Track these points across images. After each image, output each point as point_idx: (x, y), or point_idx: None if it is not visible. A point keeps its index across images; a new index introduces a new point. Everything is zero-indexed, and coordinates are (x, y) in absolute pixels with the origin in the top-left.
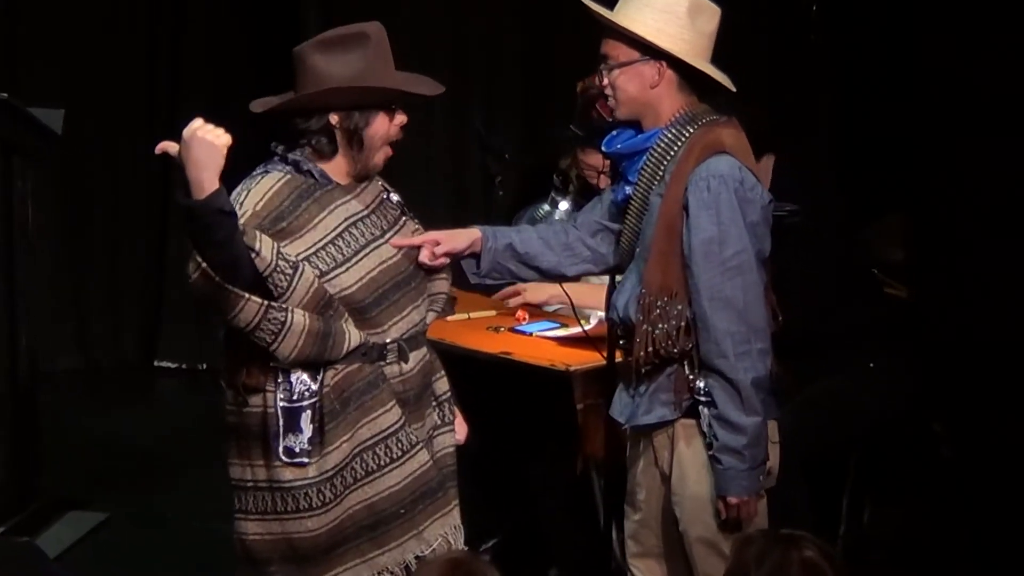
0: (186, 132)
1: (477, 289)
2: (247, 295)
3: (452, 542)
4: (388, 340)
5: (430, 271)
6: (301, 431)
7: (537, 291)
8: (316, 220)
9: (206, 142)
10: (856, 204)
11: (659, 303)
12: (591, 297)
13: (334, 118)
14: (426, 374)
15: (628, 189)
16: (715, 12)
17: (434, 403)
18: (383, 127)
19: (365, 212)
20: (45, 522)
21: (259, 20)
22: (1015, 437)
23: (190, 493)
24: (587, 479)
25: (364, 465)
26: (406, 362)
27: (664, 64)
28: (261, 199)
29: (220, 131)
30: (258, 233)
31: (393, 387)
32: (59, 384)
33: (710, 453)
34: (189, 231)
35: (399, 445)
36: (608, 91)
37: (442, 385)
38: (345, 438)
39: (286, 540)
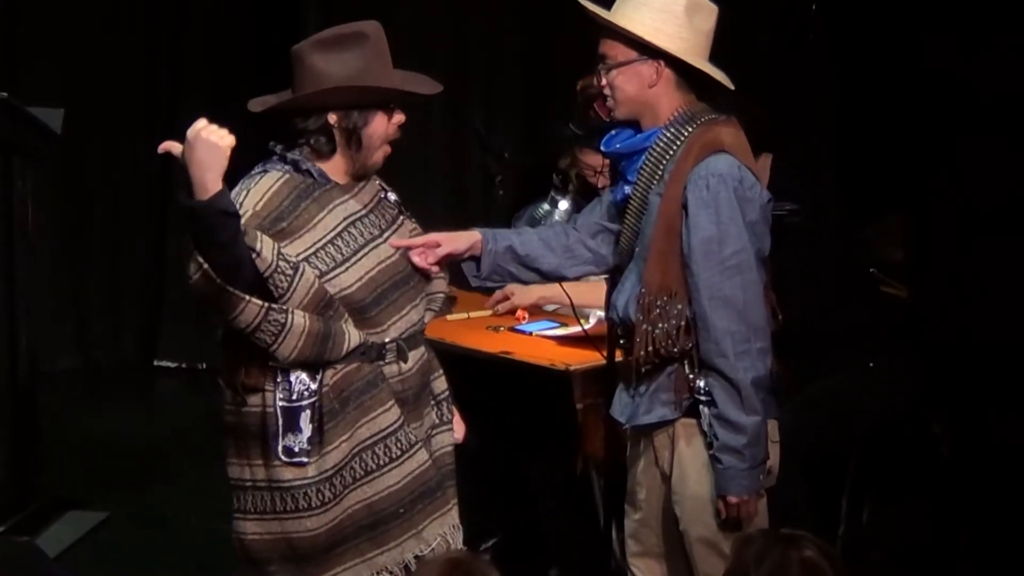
0: (190, 133)
1: (477, 289)
2: (248, 297)
3: (451, 541)
4: (387, 340)
5: (425, 272)
6: (300, 431)
7: (525, 293)
8: (315, 220)
9: (210, 143)
10: (856, 204)
11: (659, 302)
12: (590, 296)
13: (332, 118)
14: (424, 373)
15: (627, 189)
16: (712, 10)
17: (432, 402)
18: (381, 126)
19: (363, 211)
20: (45, 522)
21: (259, 20)
22: (1015, 437)
23: (190, 493)
24: (587, 479)
25: (363, 465)
26: (405, 361)
27: (662, 63)
28: (261, 199)
29: (224, 132)
30: (259, 234)
31: (392, 386)
32: (59, 384)
33: (710, 452)
34: (191, 232)
35: (398, 445)
36: (607, 91)
37: (440, 384)
38: (344, 438)
39: (285, 540)
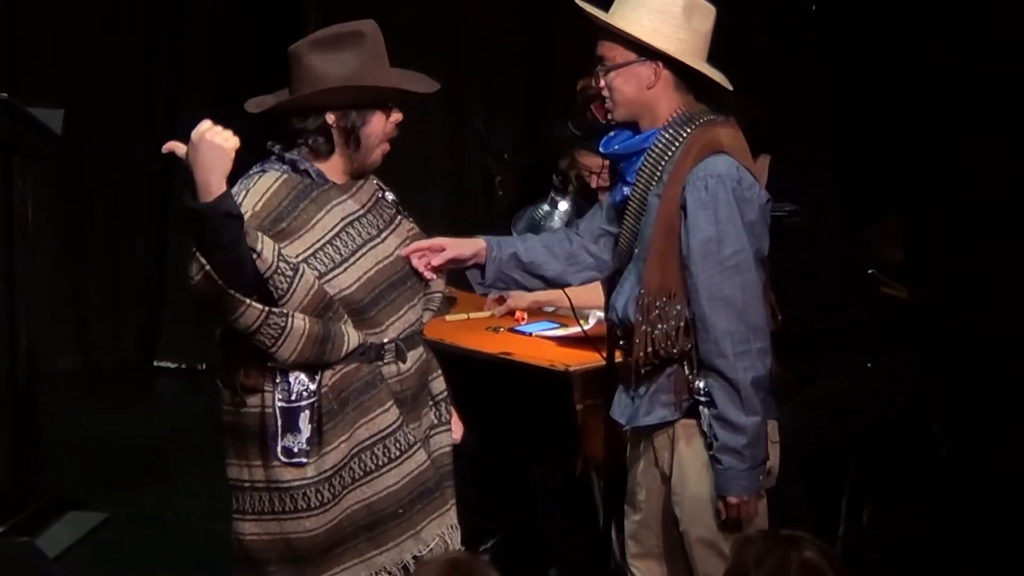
0: (194, 134)
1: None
2: (248, 300)
3: (449, 542)
4: (386, 340)
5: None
6: (299, 431)
7: (520, 296)
8: (314, 220)
9: (214, 145)
10: (856, 204)
11: (658, 303)
12: (589, 297)
13: (331, 117)
14: (423, 374)
15: (626, 190)
16: (710, 11)
17: (431, 403)
18: (380, 125)
19: (361, 212)
20: (45, 522)
21: (259, 20)
22: (1015, 437)
23: (190, 493)
24: (587, 479)
25: (362, 465)
26: (404, 362)
27: (660, 64)
28: (260, 199)
29: (228, 134)
30: (260, 234)
31: (391, 387)
32: (59, 384)
33: (710, 453)
34: (194, 233)
35: (397, 445)
36: (605, 92)
37: (439, 385)
38: (343, 438)
39: (284, 540)
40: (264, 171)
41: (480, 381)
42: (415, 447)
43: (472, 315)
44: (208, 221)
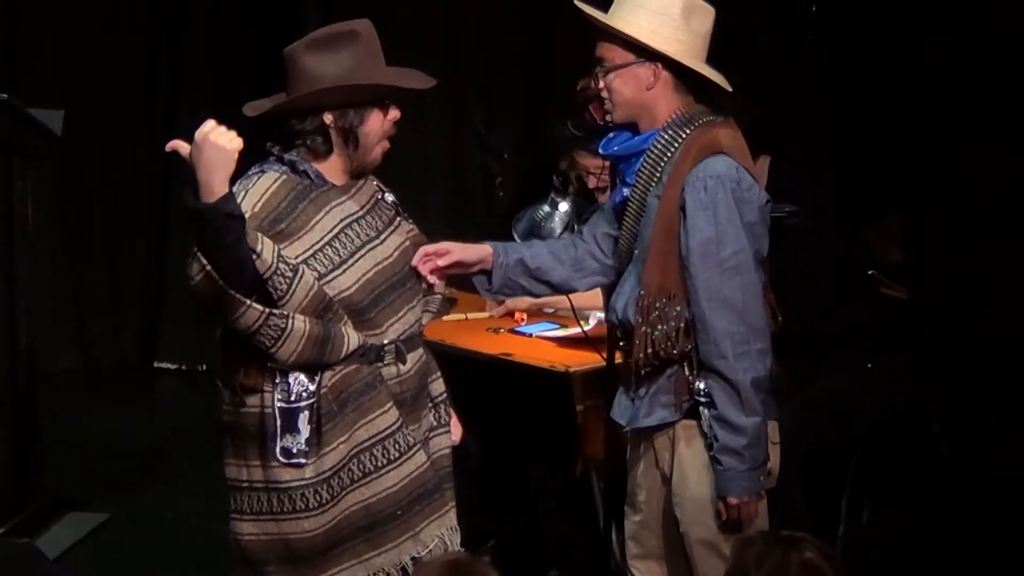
0: (198, 134)
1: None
2: (248, 301)
3: (448, 543)
4: (385, 341)
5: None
6: (298, 432)
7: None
8: (313, 221)
9: (217, 146)
10: (856, 204)
11: (658, 304)
12: (589, 298)
13: (328, 117)
14: (423, 375)
15: (626, 191)
16: (709, 12)
17: (430, 404)
18: (378, 123)
19: (361, 213)
20: (45, 523)
21: (259, 20)
22: (1015, 437)
23: (190, 493)
24: (587, 480)
25: (361, 466)
26: (404, 363)
27: (659, 66)
28: (259, 200)
29: (232, 135)
30: (259, 235)
31: (391, 388)
32: (59, 384)
33: (710, 454)
34: (195, 233)
35: (396, 446)
36: (604, 94)
37: (438, 386)
38: (342, 439)
39: (282, 541)
40: (263, 172)
41: (480, 382)
42: (414, 449)
43: (471, 315)
44: (210, 222)
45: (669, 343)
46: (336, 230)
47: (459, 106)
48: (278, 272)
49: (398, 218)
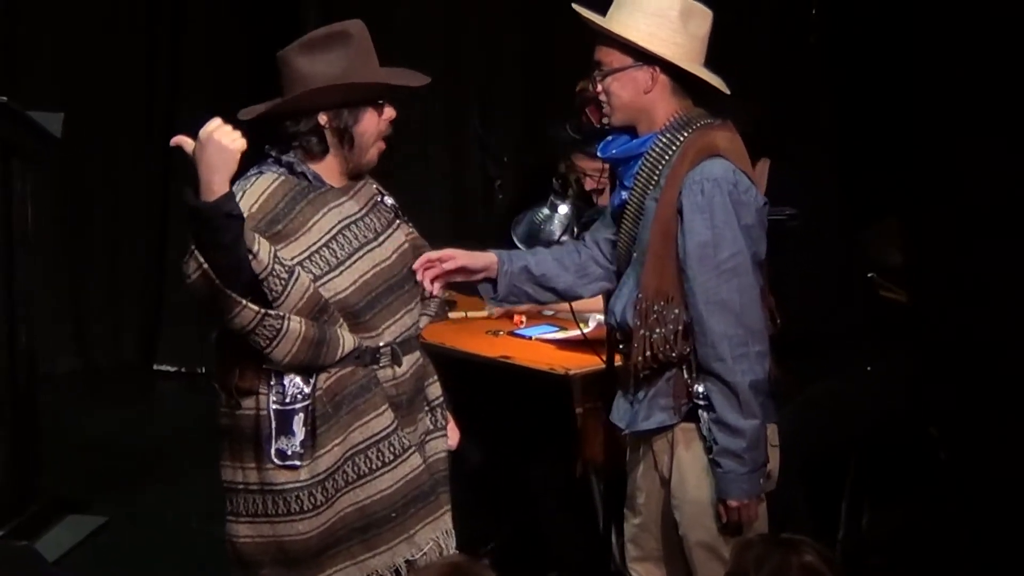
0: (202, 132)
1: (475, 292)
2: (244, 301)
3: (443, 547)
4: (381, 344)
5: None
6: (293, 434)
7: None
8: (311, 223)
9: (220, 145)
10: (856, 206)
11: (656, 307)
12: (589, 300)
13: (323, 118)
14: (419, 378)
15: (624, 194)
16: (707, 15)
17: (427, 408)
18: (373, 123)
19: (359, 214)
20: (44, 525)
21: (259, 20)
22: (1014, 439)
23: (189, 495)
24: (586, 483)
25: (356, 468)
26: (399, 366)
27: (657, 69)
28: (257, 201)
29: (236, 135)
30: (256, 236)
31: (386, 391)
32: (58, 386)
33: (710, 457)
34: (193, 231)
35: (391, 449)
36: (602, 97)
37: (435, 390)
38: (337, 441)
39: (277, 543)
40: (261, 173)
41: (480, 385)
42: (409, 451)
43: (471, 314)
44: (208, 221)
45: (667, 346)
46: (334, 231)
47: (459, 106)
48: (273, 273)
49: (397, 220)
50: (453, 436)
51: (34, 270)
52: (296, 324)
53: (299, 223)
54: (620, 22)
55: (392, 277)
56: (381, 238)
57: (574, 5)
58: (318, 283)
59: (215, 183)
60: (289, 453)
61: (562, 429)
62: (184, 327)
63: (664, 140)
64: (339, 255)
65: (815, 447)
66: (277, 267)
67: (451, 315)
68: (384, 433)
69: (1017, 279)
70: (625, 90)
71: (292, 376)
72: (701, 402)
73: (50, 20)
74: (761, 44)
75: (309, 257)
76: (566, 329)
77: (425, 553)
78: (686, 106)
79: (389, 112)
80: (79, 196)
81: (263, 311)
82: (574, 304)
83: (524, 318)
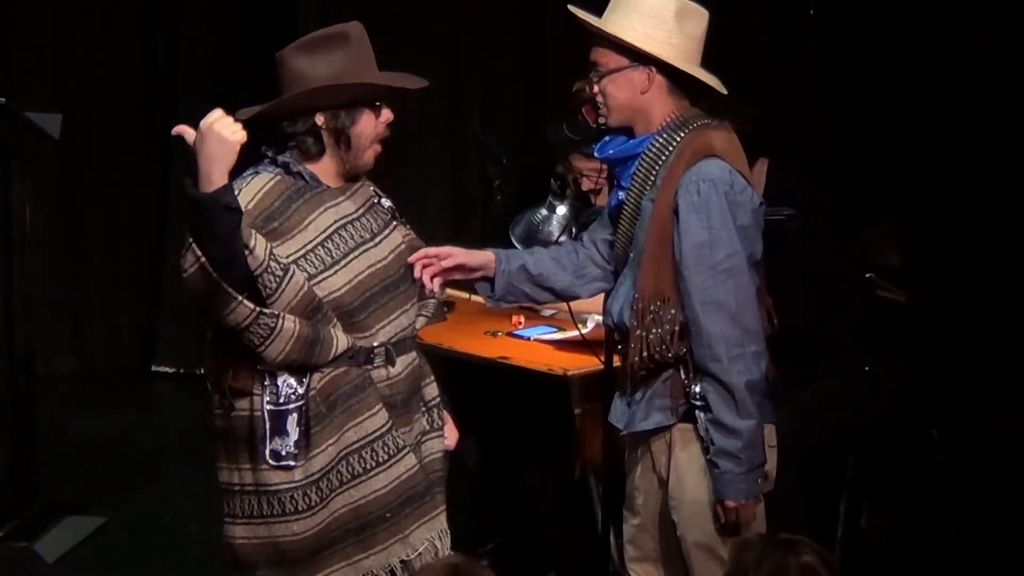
0: (203, 123)
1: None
2: (240, 298)
3: (438, 547)
4: (375, 344)
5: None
6: (287, 434)
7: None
8: (307, 221)
9: (220, 137)
10: (854, 207)
11: (652, 308)
12: (586, 300)
13: (320, 119)
14: (415, 379)
15: (621, 194)
16: (703, 15)
17: (423, 408)
18: (370, 125)
19: (356, 214)
20: (43, 527)
21: (257, 22)
22: (1013, 440)
23: (188, 497)
24: (585, 483)
25: (350, 468)
26: (393, 366)
27: (654, 69)
28: (253, 198)
29: (237, 127)
30: (253, 232)
31: (380, 391)
32: (57, 387)
33: (707, 457)
34: (191, 223)
35: (385, 449)
36: (599, 98)
37: (431, 390)
38: (331, 441)
39: (272, 544)
40: (258, 172)
41: (478, 385)
42: (404, 451)
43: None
44: (206, 212)
45: (664, 346)
46: (330, 230)
47: (459, 107)
48: (268, 270)
49: (394, 222)
50: (452, 436)
51: (33, 271)
52: (290, 323)
53: (295, 221)
54: (616, 23)
55: (388, 278)
56: (377, 238)
57: (570, 6)
58: (312, 282)
59: (214, 174)
60: (284, 453)
61: (560, 430)
62: (183, 329)
63: (661, 140)
64: (334, 254)
65: (814, 447)
66: (272, 264)
67: (456, 292)
68: (378, 433)
69: (1016, 279)
70: (621, 91)
71: (285, 376)
72: (698, 403)
73: (47, 21)
74: (759, 44)
75: (304, 255)
76: (564, 330)
77: (420, 553)
78: (683, 106)
79: (387, 114)
80: (78, 197)
81: (258, 309)
82: (573, 305)
83: (523, 318)
